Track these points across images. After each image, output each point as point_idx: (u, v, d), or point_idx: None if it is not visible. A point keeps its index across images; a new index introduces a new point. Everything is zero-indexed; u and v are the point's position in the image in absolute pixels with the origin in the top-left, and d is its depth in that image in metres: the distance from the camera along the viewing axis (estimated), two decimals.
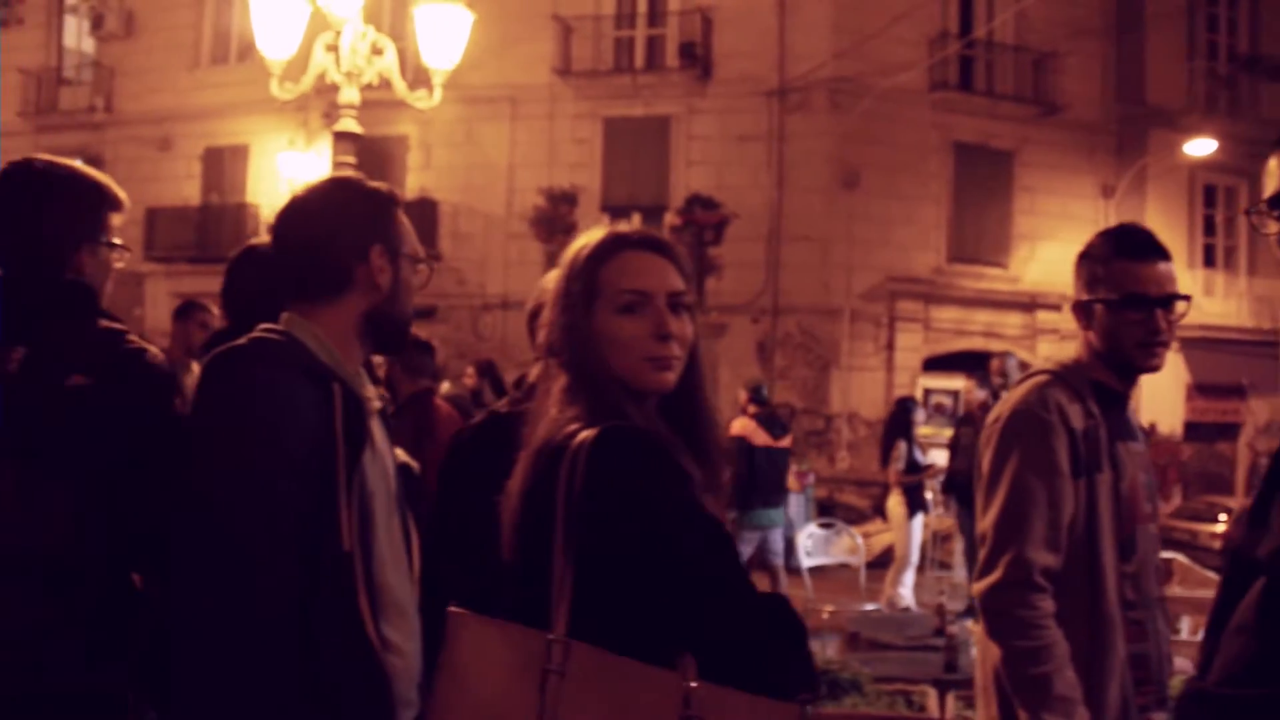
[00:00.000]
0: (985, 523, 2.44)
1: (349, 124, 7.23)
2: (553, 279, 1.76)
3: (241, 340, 1.83)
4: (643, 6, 18.83)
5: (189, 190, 20.91)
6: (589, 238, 1.71)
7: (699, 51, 18.06)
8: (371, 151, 19.96)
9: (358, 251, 1.92)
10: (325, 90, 20.57)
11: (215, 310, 6.67)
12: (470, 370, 7.48)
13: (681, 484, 1.52)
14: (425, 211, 18.39)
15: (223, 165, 20.85)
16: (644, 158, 18.37)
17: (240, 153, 20.65)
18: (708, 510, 1.53)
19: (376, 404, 1.96)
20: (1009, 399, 2.57)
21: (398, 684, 1.82)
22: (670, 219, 17.46)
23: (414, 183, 19.26)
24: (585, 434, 1.51)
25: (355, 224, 1.94)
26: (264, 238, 2.33)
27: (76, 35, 23.09)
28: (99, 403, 2.04)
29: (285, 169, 19.84)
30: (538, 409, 1.64)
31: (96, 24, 22.22)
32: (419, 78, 7.76)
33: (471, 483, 2.04)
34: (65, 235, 2.19)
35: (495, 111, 18.72)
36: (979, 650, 2.68)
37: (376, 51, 7.36)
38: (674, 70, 18.20)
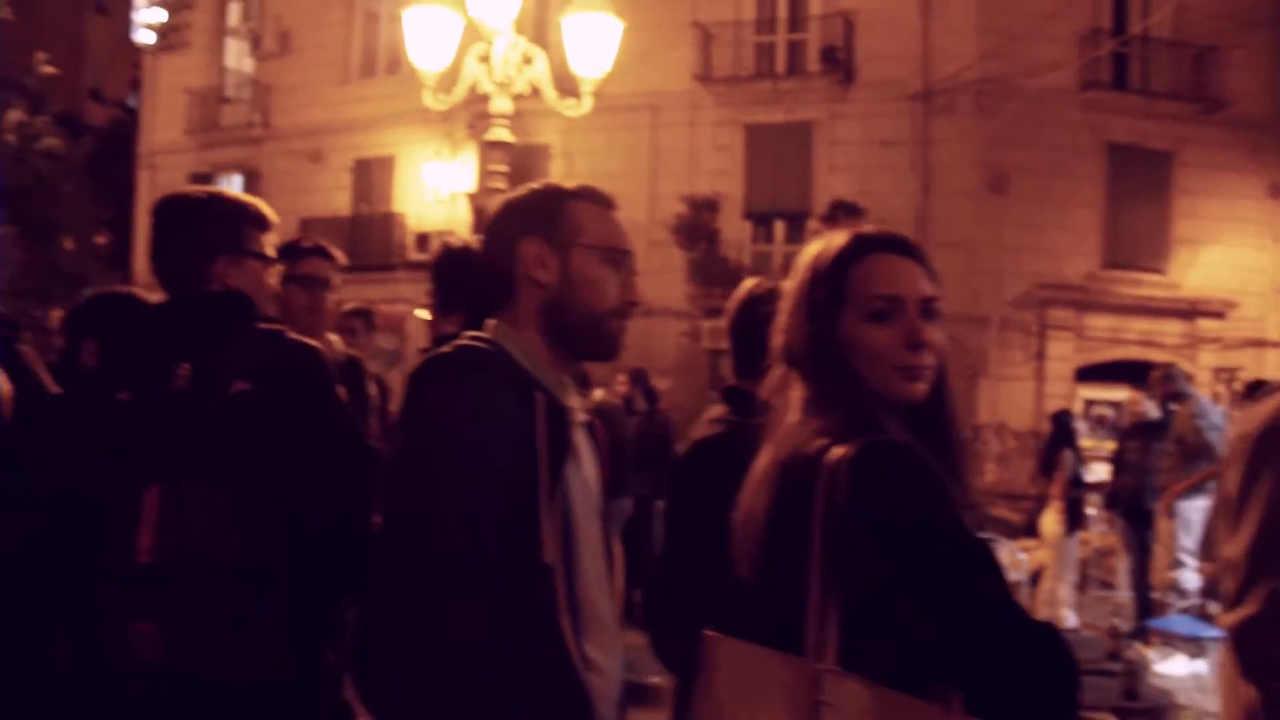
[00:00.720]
0: (1235, 549, 2.22)
1: (500, 133, 7.32)
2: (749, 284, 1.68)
3: (447, 348, 1.80)
4: (783, 11, 18.68)
5: (340, 201, 21.57)
6: (831, 240, 1.63)
7: (841, 56, 17.83)
8: (514, 161, 20.34)
9: (509, 247, 1.89)
10: (470, 101, 21.00)
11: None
12: (622, 378, 7.50)
13: (947, 503, 1.43)
14: None
15: (371, 176, 21.45)
16: (786, 164, 18.21)
17: (387, 164, 21.21)
18: (973, 530, 1.43)
19: (582, 416, 1.90)
20: (1258, 414, 2.31)
21: (599, 705, 1.75)
22: (813, 225, 17.23)
23: None
24: (842, 449, 1.43)
25: (507, 222, 1.92)
26: (461, 239, 2.39)
27: (237, 56, 24.09)
28: (262, 406, 2.07)
29: (430, 179, 20.32)
30: (775, 421, 1.56)
31: (255, 44, 23.16)
32: (564, 86, 7.82)
33: (698, 499, 1.98)
34: (205, 250, 2.26)
35: (636, 120, 18.80)
36: (1224, 689, 2.44)
37: (527, 61, 7.44)
38: (816, 75, 18.00)
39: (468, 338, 1.83)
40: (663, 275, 17.66)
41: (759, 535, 1.51)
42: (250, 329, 2.19)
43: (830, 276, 1.58)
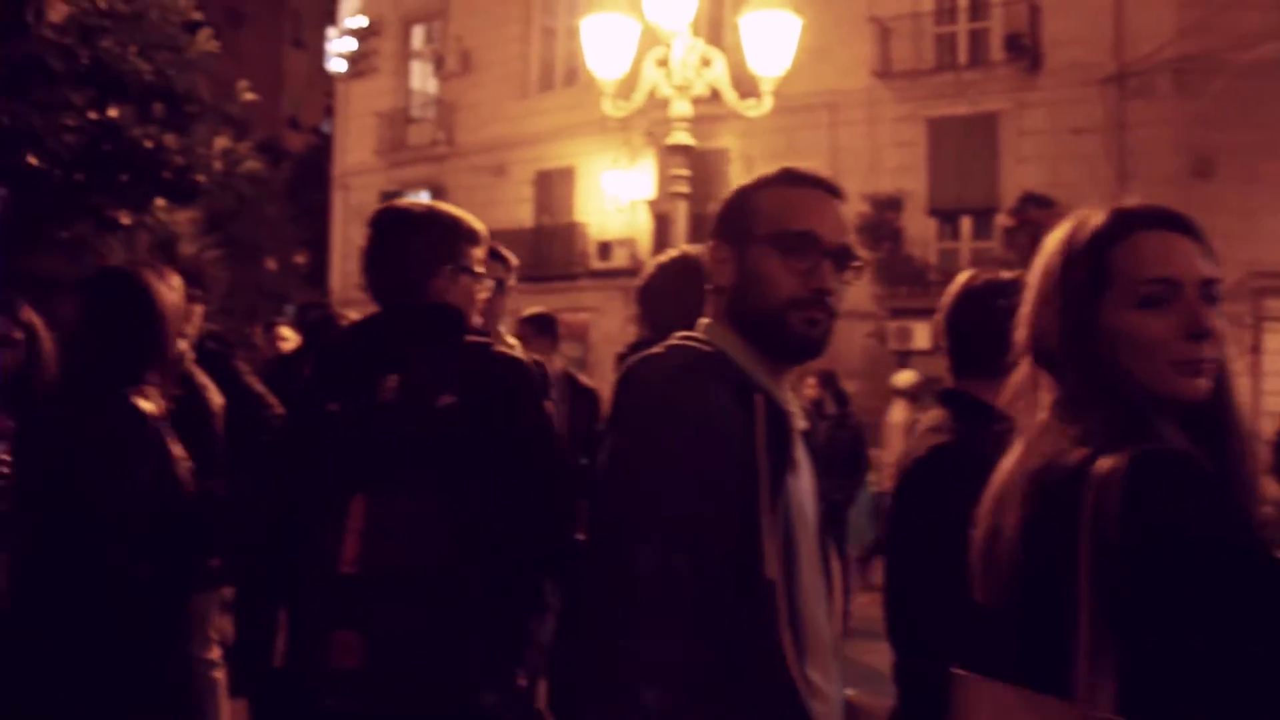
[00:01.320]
0: None
1: (681, 137, 7.29)
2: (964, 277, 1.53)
3: (658, 348, 1.70)
4: (964, 1, 18.11)
5: (522, 213, 22.02)
6: (1087, 217, 1.45)
7: (1027, 42, 17.14)
8: (693, 166, 20.37)
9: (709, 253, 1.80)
10: (648, 109, 21.07)
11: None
12: (811, 381, 7.35)
13: (1243, 522, 1.24)
14: None
15: (552, 187, 21.83)
16: (971, 157, 17.62)
17: (568, 174, 21.54)
18: (1275, 554, 1.22)
19: (802, 423, 1.74)
20: None
21: None
22: (1002, 220, 16.67)
23: None
24: (1110, 459, 1.24)
25: (713, 227, 1.83)
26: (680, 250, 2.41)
27: (421, 78, 24.93)
28: (468, 418, 2.07)
29: (610, 188, 20.54)
30: (1021, 426, 1.39)
31: (438, 65, 23.93)
32: (742, 87, 7.72)
33: (926, 515, 1.86)
34: (423, 264, 2.27)
35: (814, 119, 18.54)
36: None
37: (705, 63, 7.39)
38: (1000, 64, 17.36)
39: (679, 337, 1.72)
40: None
41: (1008, 558, 1.34)
42: (458, 341, 2.21)
43: (1089, 258, 1.40)
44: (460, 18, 23.48)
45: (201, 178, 8.78)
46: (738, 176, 20.32)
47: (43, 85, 6.75)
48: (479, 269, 2.35)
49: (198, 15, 8.42)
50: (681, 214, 7.31)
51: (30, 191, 7.82)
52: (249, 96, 9.52)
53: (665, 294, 2.67)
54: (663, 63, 7.42)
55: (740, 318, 1.70)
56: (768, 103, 7.52)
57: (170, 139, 8.27)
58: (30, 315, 2.69)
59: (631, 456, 1.59)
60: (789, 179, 1.77)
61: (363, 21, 25.36)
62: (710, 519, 1.51)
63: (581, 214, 21.30)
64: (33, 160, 7.16)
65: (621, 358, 2.82)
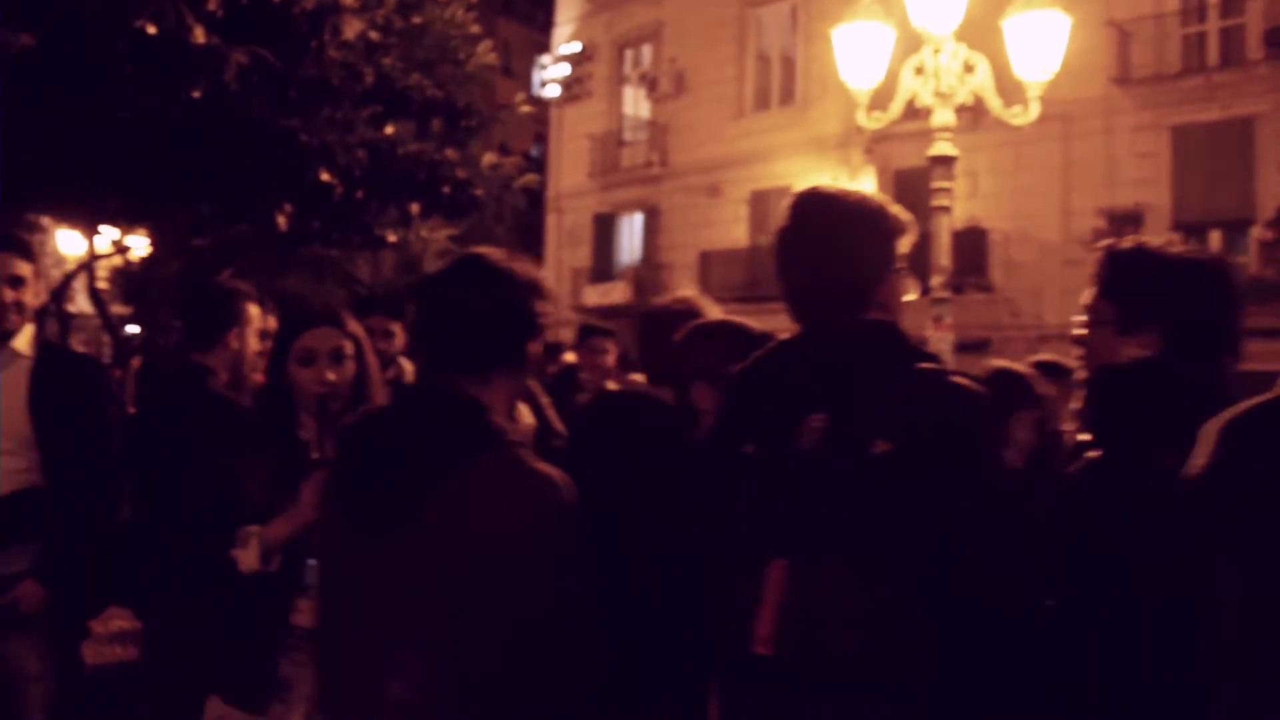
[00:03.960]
0: None
1: (944, 147, 6.91)
2: None
3: None
4: None
5: (737, 233, 21.86)
6: None
7: None
8: (913, 184, 19.77)
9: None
10: (863, 127, 20.52)
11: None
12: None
13: None
14: (974, 241, 17.78)
15: (768, 207, 21.55)
16: (1222, 167, 16.42)
17: (784, 194, 20.95)
18: None
19: None
20: None
21: None
22: (1259, 233, 15.45)
23: (961, 212, 18.67)
24: None
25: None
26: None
27: (634, 100, 25.12)
28: (910, 471, 1.66)
29: None
30: None
31: (651, 87, 24.06)
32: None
33: None
34: (871, 267, 1.90)
35: (1044, 131, 17.50)
36: None
37: (968, 69, 6.99)
38: (1258, 63, 16.10)
39: None
40: (1080, 296, 16.42)
41: None
42: (899, 368, 1.79)
43: None
44: (674, 40, 23.56)
45: (480, 191, 8.80)
46: (963, 192, 19.68)
47: (330, 103, 6.88)
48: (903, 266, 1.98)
49: (476, 29, 8.44)
50: (945, 229, 6.92)
51: (312, 209, 8.04)
52: (525, 109, 9.54)
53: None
54: (920, 70, 7.05)
55: None
56: (1034, 109, 7.05)
57: (451, 153, 8.34)
58: (356, 326, 2.55)
59: None
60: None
61: (576, 47, 25.78)
62: None
63: None
64: (325, 176, 7.31)
65: None
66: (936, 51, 6.78)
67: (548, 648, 1.62)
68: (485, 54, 8.48)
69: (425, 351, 1.84)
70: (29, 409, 3.11)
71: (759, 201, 21.70)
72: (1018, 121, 7.18)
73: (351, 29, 6.17)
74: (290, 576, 2.24)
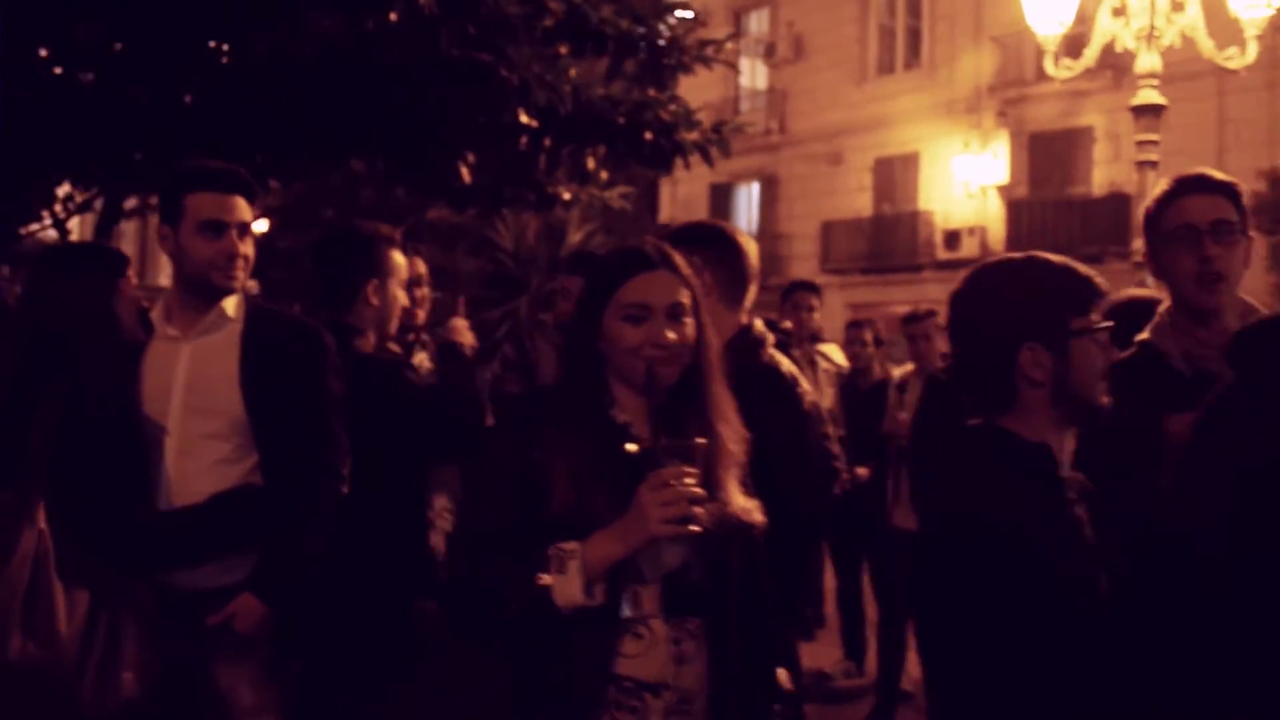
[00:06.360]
0: None
1: (1150, 95, 6.23)
2: None
3: None
4: None
5: (860, 202, 21.12)
6: None
7: None
8: (1051, 147, 18.83)
9: None
10: (998, 88, 19.63)
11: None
12: None
13: None
14: (1116, 208, 16.81)
15: (893, 175, 20.78)
16: None
17: (910, 161, 20.43)
18: None
19: None
20: None
21: None
22: None
23: (1101, 177, 17.75)
24: None
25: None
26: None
27: (750, 67, 24.39)
28: None
29: (960, 173, 19.30)
30: None
31: (769, 53, 23.33)
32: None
33: None
34: None
35: (1197, 90, 16.57)
36: None
37: (1177, 7, 6.29)
38: None
39: None
40: None
41: None
42: None
43: None
44: (791, 4, 22.79)
45: (693, 135, 7.79)
46: (1104, 156, 18.71)
47: (511, 41, 6.18)
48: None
49: None
50: (1151, 186, 6.24)
51: (496, 153, 7.31)
52: (730, 47, 8.75)
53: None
54: (1119, 12, 6.37)
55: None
56: (1252, 51, 6.34)
57: (654, 93, 7.63)
58: (690, 272, 2.06)
59: None
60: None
61: (688, 13, 25.14)
62: None
63: (925, 202, 20.14)
64: (524, 118, 6.55)
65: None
66: None
67: None
68: None
69: None
70: (240, 384, 2.60)
71: (884, 169, 20.92)
72: (1233, 65, 6.47)
73: None
74: (611, 610, 1.74)
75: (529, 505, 1.77)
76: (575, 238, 11.84)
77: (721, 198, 23.96)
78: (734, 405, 1.94)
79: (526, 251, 11.18)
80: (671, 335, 1.85)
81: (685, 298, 1.90)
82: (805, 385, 2.66)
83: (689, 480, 1.69)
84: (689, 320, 1.89)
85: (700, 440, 1.75)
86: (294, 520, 2.57)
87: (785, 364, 2.68)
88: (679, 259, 1.92)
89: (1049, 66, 6.84)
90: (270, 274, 15.91)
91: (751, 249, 2.74)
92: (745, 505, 1.89)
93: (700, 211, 24.30)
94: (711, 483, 1.79)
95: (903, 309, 6.71)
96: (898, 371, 6.07)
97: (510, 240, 10.64)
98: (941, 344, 5.74)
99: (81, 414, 2.43)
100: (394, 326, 3.26)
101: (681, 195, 24.85)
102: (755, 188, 23.34)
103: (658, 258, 1.90)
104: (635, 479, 1.72)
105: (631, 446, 1.80)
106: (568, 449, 1.80)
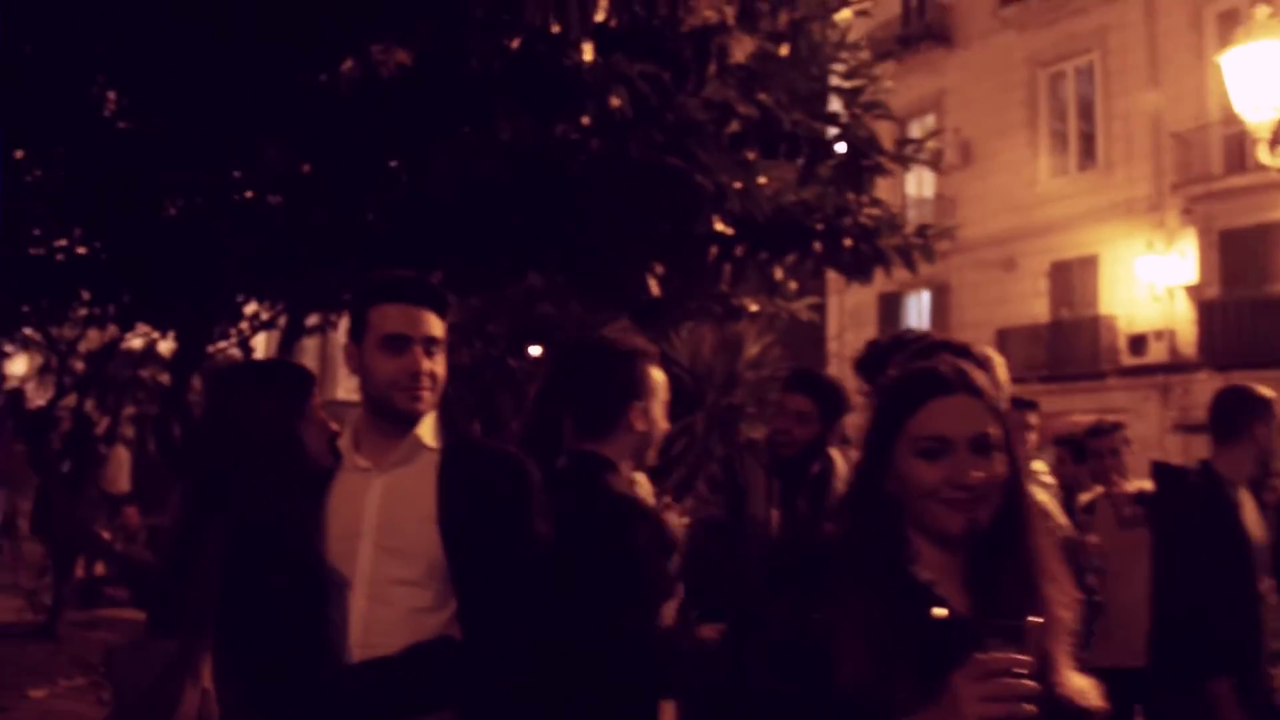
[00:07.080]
0: None
1: None
2: None
3: None
4: None
5: (1037, 308, 20.40)
6: None
7: None
8: (1244, 244, 17.82)
9: None
10: (1181, 185, 18.76)
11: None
12: None
13: None
14: None
15: (1070, 279, 20.05)
16: None
17: (1089, 264, 19.69)
18: None
19: None
20: None
21: None
22: None
23: None
24: None
25: None
26: None
27: (915, 174, 24.08)
28: None
29: (1145, 274, 18.48)
30: None
31: (936, 161, 22.99)
32: None
33: None
34: None
35: None
36: None
37: None
38: None
39: None
40: None
41: None
42: None
43: None
44: (957, 108, 22.52)
45: (895, 240, 7.30)
46: None
47: (700, 145, 5.98)
48: None
49: (866, 53, 7.41)
50: None
51: (682, 265, 7.05)
52: (932, 145, 8.43)
53: None
54: None
55: None
56: None
57: (853, 197, 6.98)
58: (1000, 398, 1.78)
59: None
60: None
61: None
62: None
63: (1107, 305, 19.30)
64: (719, 226, 6.27)
65: None
66: None
67: None
68: (883, 83, 7.08)
69: None
70: (439, 523, 2.29)
71: (1060, 273, 20.21)
72: None
73: (742, 49, 5.24)
74: None
75: (811, 679, 1.48)
76: (752, 351, 11.53)
77: (891, 307, 23.51)
78: (1059, 558, 1.61)
79: (702, 366, 10.91)
80: (978, 474, 1.56)
81: (993, 428, 1.60)
82: None
83: (1019, 670, 1.38)
84: (999, 455, 1.59)
85: (1035, 619, 1.42)
86: (492, 680, 2.26)
87: None
88: (982, 380, 1.63)
89: (1262, 155, 6.40)
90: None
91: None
92: (1080, 687, 1.55)
93: (869, 322, 23.87)
94: (1039, 660, 1.44)
95: (1086, 418, 6.18)
96: (1085, 497, 5.32)
97: (686, 355, 10.45)
98: (1128, 458, 5.20)
99: (253, 554, 2.20)
100: (654, 455, 2.87)
101: (850, 305, 24.48)
102: (925, 296, 22.83)
103: (956, 379, 1.62)
104: (942, 651, 1.42)
105: (940, 611, 1.48)
106: (860, 612, 1.49)
